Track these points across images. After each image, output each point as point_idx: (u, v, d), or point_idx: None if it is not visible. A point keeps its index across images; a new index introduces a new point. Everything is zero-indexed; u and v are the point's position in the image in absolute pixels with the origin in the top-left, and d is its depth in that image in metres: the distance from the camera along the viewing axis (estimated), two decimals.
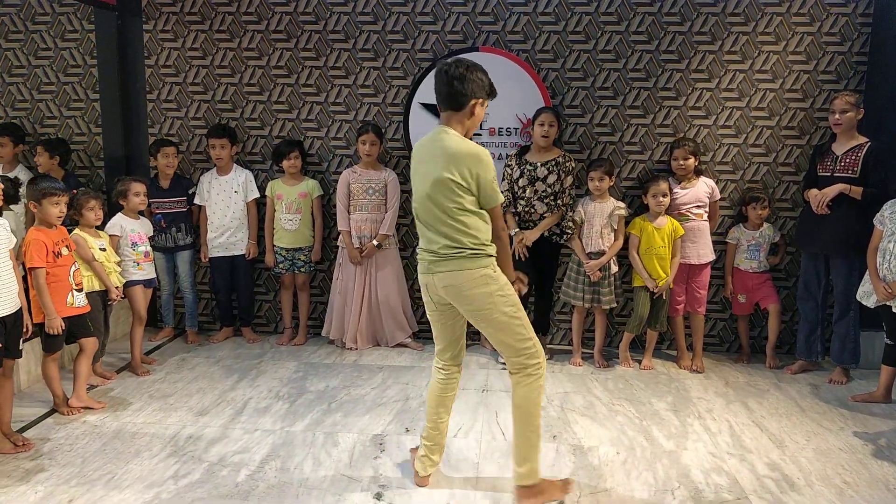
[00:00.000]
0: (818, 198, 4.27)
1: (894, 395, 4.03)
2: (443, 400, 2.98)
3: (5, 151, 4.84)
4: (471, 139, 2.79)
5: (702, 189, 4.59)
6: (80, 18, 5.05)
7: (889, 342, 3.98)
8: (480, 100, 2.75)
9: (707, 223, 4.63)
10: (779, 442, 3.51)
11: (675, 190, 4.60)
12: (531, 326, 2.83)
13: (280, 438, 3.46)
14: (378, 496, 2.92)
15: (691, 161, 4.54)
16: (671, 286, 4.58)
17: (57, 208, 3.63)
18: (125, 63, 5.04)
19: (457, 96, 2.70)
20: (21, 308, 3.31)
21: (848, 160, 4.24)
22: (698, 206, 4.58)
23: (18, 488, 2.94)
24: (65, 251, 3.69)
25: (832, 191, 4.21)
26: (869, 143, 4.22)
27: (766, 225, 4.68)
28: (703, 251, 4.61)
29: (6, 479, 3.02)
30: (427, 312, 2.95)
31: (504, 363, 4.56)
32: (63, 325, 3.60)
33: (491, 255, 2.74)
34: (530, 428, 2.77)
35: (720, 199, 4.73)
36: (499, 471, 3.15)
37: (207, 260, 4.99)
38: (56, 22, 5.07)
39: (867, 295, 3.97)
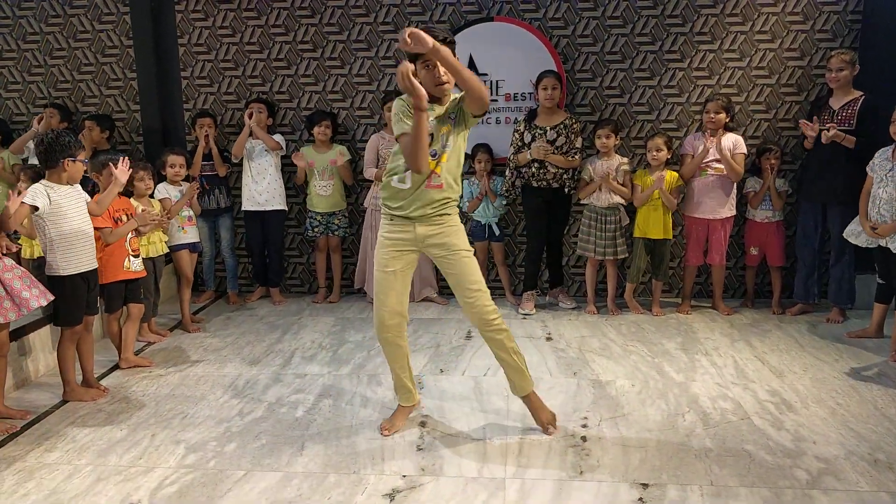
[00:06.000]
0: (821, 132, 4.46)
1: (886, 330, 4.38)
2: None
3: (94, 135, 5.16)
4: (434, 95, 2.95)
5: (725, 144, 4.75)
6: (116, 2, 5.35)
7: (881, 281, 4.33)
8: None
9: (728, 179, 4.80)
10: (779, 373, 3.88)
11: (701, 145, 4.80)
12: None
13: (329, 381, 3.85)
14: (422, 424, 3.31)
15: (722, 116, 4.74)
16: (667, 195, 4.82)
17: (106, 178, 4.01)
18: (159, 43, 5.36)
19: None
20: (97, 268, 3.68)
21: (845, 114, 4.54)
22: (719, 161, 4.78)
23: (104, 428, 3.33)
24: (124, 219, 4.06)
25: (834, 133, 4.42)
26: (864, 97, 4.51)
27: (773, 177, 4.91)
28: (720, 207, 4.85)
29: (92, 420, 3.42)
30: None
31: (526, 314, 4.97)
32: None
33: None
34: None
35: (742, 153, 4.83)
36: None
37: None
38: (93, 6, 5.37)
39: (855, 234, 4.30)
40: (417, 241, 3.05)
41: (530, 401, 3.24)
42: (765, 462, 2.92)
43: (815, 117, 4.63)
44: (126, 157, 3.88)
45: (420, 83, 2.80)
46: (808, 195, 4.80)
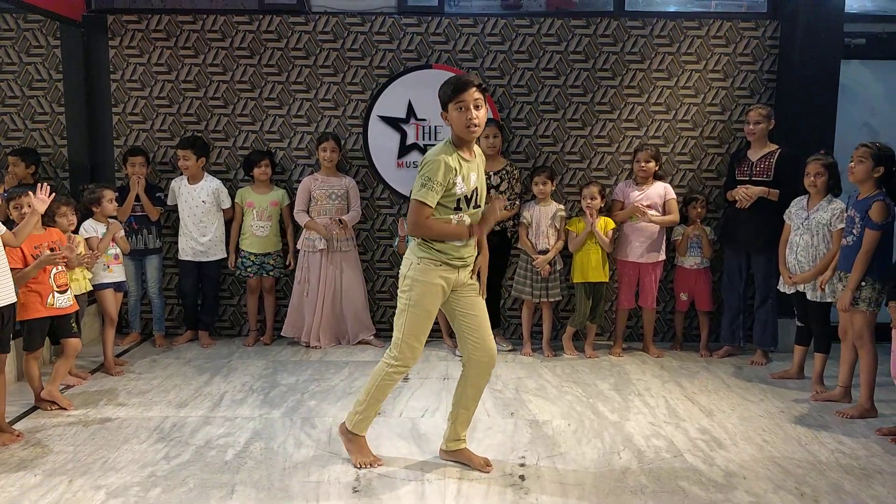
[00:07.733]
0: (746, 193, 4.73)
1: (807, 371, 4.56)
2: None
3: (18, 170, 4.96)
4: (463, 138, 2.98)
5: (655, 192, 4.97)
6: (46, 34, 5.22)
7: (800, 324, 4.53)
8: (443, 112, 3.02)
9: (657, 227, 4.98)
10: (708, 412, 3.98)
11: (632, 192, 5.03)
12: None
13: (260, 424, 3.72)
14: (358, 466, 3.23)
15: (652, 164, 4.95)
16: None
17: (17, 212, 3.87)
18: (91, 77, 5.24)
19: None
20: (14, 304, 3.49)
21: (762, 165, 4.80)
22: (649, 207, 4.96)
23: (16, 474, 3.12)
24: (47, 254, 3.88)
25: (756, 191, 4.72)
26: (780, 150, 4.79)
27: (702, 226, 5.12)
28: (651, 251, 5.01)
29: (3, 465, 3.19)
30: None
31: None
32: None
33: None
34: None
35: (673, 198, 5.02)
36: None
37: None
38: (21, 37, 5.22)
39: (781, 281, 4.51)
40: (456, 284, 3.11)
41: (462, 454, 3.25)
42: (698, 497, 2.97)
43: (736, 170, 4.90)
44: (44, 184, 3.74)
45: (451, 125, 2.96)
46: (732, 243, 5.01)
